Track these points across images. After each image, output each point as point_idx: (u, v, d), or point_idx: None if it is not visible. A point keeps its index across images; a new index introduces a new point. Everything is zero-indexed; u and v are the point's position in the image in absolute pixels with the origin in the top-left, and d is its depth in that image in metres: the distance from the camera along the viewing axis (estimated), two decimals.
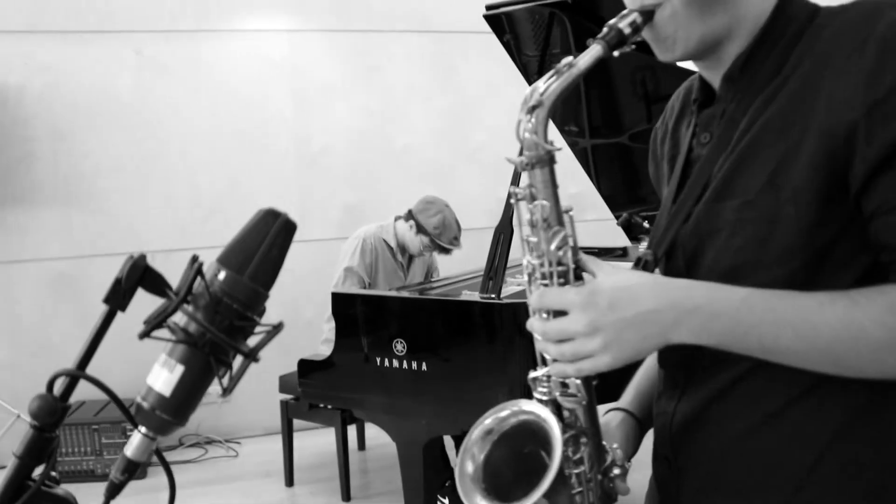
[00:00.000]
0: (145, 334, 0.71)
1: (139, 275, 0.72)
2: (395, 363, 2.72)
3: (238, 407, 4.49)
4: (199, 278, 0.73)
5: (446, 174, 4.81)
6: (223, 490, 3.84)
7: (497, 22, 2.85)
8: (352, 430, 3.62)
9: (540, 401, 0.98)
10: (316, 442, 4.21)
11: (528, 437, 0.97)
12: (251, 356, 0.72)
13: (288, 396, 3.76)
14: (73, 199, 4.21)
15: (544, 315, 0.91)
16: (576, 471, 0.99)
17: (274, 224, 0.75)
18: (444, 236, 3.59)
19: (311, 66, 4.63)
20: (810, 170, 0.84)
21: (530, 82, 3.20)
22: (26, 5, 4.07)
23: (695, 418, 0.98)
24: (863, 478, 0.88)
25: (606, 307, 0.86)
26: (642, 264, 1.05)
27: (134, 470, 0.74)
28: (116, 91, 4.24)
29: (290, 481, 3.83)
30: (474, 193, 4.64)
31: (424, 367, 2.68)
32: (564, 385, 0.96)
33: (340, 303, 2.93)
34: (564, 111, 3.40)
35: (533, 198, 0.92)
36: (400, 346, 2.71)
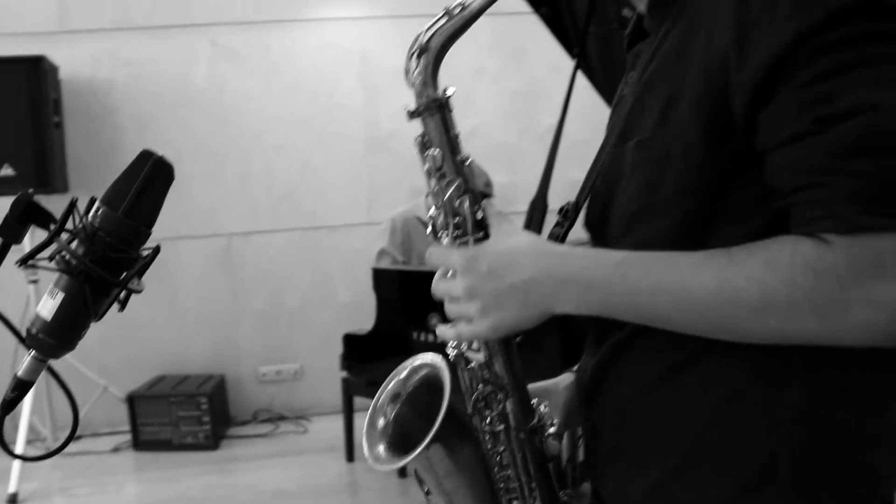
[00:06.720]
0: (23, 262, 0.78)
1: (22, 209, 0.78)
2: (432, 337, 2.76)
3: (310, 386, 4.65)
4: (83, 216, 0.79)
5: (513, 155, 4.81)
6: (287, 462, 4.00)
7: None
8: None
9: (452, 355, 0.98)
10: None
11: (433, 392, 0.98)
12: (120, 285, 0.78)
13: (347, 373, 3.86)
14: None
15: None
16: (497, 428, 0.98)
17: (147, 164, 0.80)
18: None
19: (379, 52, 4.71)
20: (694, 105, 0.78)
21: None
22: (111, 5, 4.34)
23: (603, 375, 0.94)
24: (752, 455, 0.81)
25: (485, 274, 0.85)
26: (563, 213, 1.04)
27: (24, 388, 0.81)
28: (194, 81, 4.47)
29: (350, 457, 3.94)
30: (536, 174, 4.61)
31: None
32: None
33: (376, 278, 3.02)
34: None
35: (426, 147, 0.92)
36: (434, 321, 2.75)
